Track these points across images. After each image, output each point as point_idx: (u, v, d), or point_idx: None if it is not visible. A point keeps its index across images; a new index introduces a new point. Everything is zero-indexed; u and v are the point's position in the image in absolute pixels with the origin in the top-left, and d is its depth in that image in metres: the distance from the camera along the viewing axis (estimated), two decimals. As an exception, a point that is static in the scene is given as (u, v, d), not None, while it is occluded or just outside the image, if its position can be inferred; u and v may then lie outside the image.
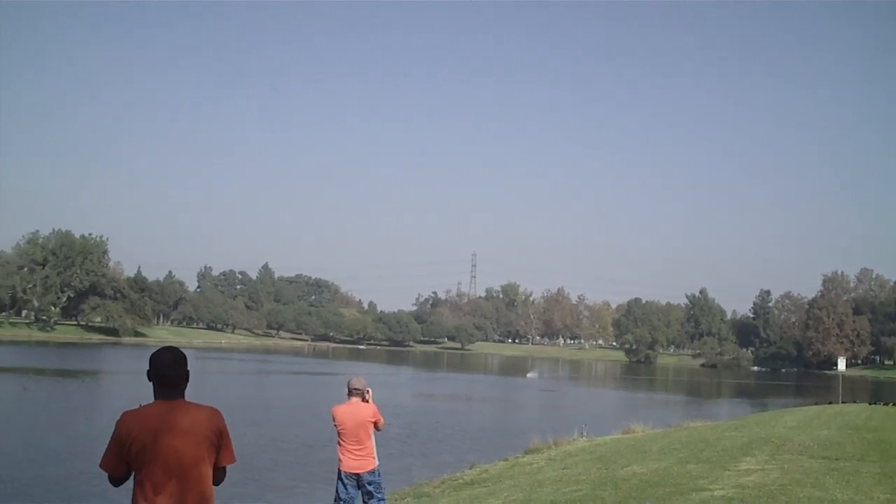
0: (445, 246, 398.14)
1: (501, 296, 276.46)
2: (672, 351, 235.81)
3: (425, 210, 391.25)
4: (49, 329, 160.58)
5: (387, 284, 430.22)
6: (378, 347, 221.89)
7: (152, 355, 5.63)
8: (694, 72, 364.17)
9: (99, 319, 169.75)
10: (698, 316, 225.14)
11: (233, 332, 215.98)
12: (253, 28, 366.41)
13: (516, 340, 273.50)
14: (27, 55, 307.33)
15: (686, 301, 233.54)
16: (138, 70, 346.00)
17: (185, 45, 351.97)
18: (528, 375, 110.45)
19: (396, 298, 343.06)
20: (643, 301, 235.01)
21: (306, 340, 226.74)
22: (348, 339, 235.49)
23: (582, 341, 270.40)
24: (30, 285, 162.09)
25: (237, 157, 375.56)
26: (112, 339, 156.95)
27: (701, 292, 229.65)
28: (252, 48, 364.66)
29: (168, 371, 5.53)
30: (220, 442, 5.50)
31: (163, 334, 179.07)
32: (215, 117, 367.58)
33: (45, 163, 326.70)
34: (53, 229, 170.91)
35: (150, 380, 5.58)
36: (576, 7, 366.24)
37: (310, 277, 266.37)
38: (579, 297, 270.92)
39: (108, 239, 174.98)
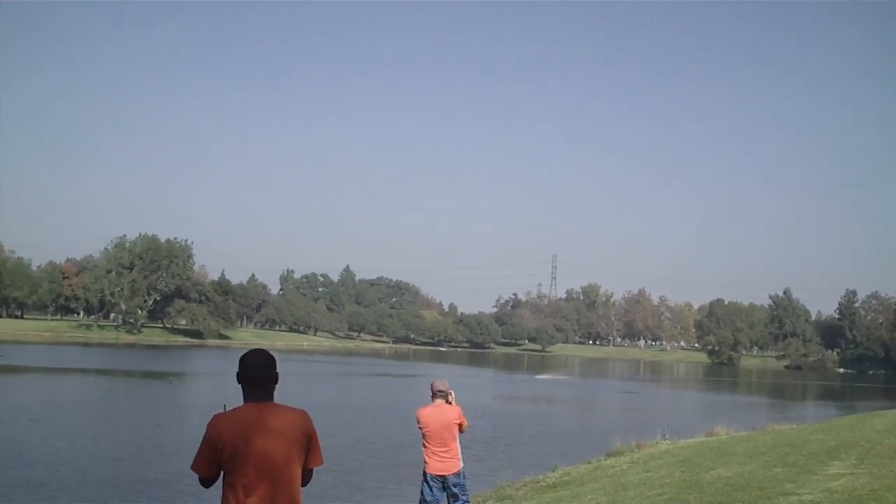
0: (525, 247, 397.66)
1: (582, 297, 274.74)
2: (755, 352, 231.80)
3: (505, 211, 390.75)
4: (136, 332, 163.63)
5: (467, 286, 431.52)
6: (458, 349, 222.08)
7: (242, 358, 5.64)
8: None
9: (184, 322, 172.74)
10: (782, 317, 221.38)
11: (315, 335, 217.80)
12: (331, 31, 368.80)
13: (597, 342, 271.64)
14: (111, 64, 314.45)
15: (769, 302, 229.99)
16: (225, 80, 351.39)
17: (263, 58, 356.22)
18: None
19: (477, 300, 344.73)
20: (725, 302, 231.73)
21: (387, 342, 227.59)
22: (429, 341, 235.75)
23: (663, 343, 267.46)
24: (118, 289, 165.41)
25: (318, 162, 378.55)
26: (197, 341, 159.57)
27: (784, 293, 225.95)
28: (311, 51, 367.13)
29: (258, 373, 5.55)
30: (309, 444, 5.51)
31: (246, 337, 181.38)
32: (296, 124, 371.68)
33: (134, 168, 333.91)
34: (140, 234, 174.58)
35: (239, 382, 5.59)
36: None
37: (391, 280, 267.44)
38: (661, 299, 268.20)
39: (192, 243, 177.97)
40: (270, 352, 5.74)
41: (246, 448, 5.29)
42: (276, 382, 5.64)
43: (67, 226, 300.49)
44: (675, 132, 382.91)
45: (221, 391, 54.47)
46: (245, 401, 5.54)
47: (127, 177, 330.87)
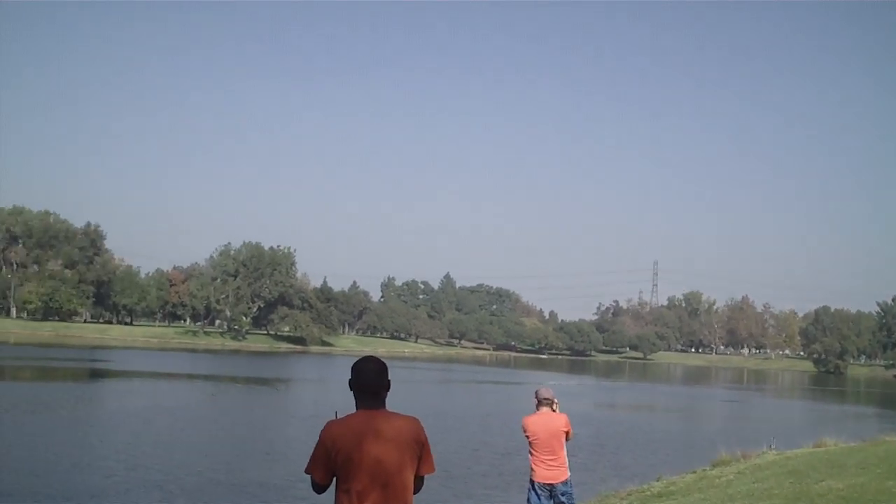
0: (626, 254, 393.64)
1: (684, 304, 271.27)
2: (863, 361, 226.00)
3: (606, 218, 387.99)
4: (241, 338, 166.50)
5: (568, 293, 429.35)
6: (559, 357, 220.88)
7: (355, 365, 5.70)
8: None
9: (287, 329, 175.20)
10: (891, 325, 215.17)
11: (416, 342, 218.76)
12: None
13: (699, 350, 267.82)
14: (226, 73, 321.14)
15: (877, 309, 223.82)
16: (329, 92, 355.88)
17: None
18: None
19: (577, 307, 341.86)
20: (832, 309, 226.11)
21: (488, 350, 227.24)
22: (529, 348, 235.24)
23: (767, 351, 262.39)
24: (223, 296, 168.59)
25: (421, 170, 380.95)
26: (300, 348, 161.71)
27: (893, 300, 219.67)
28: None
29: (371, 380, 5.59)
30: (421, 451, 5.52)
31: (348, 344, 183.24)
32: (398, 132, 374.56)
33: (234, 177, 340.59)
34: (244, 241, 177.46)
35: (351, 389, 5.64)
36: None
37: (491, 287, 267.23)
38: (765, 306, 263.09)
39: (295, 250, 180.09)
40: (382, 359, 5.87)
41: (359, 455, 5.34)
42: (388, 390, 5.68)
43: (174, 233, 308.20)
44: (780, 136, 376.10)
45: (325, 397, 55.22)
46: (357, 408, 5.59)
47: (231, 184, 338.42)
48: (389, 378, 5.70)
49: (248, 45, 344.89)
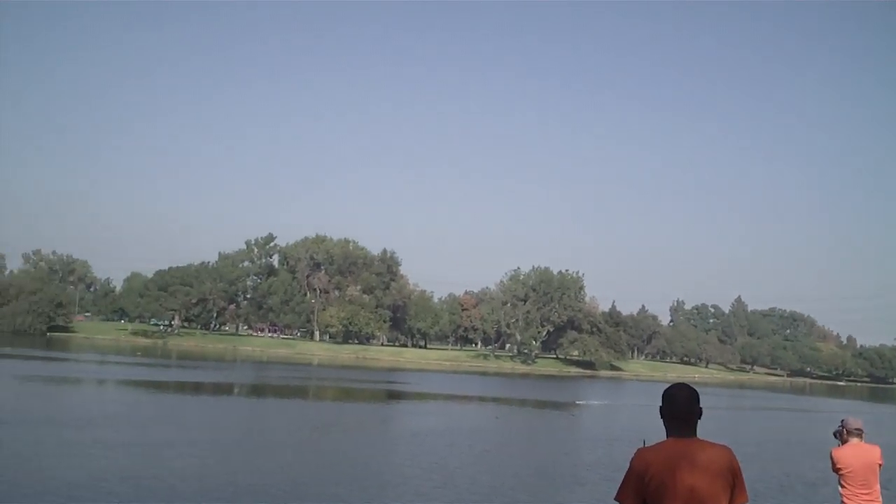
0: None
1: None
2: None
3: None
4: (530, 362, 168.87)
5: (867, 317, 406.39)
6: (858, 384, 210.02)
7: (666, 392, 5.70)
8: None
9: (576, 353, 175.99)
10: None
11: (706, 367, 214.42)
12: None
13: None
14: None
15: None
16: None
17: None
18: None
19: (878, 331, 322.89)
20: None
21: (781, 375, 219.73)
22: (826, 374, 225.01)
23: None
24: (513, 320, 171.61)
25: (712, 195, 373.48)
26: (588, 372, 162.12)
27: None
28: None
29: (683, 408, 5.59)
30: (734, 480, 5.46)
31: (637, 368, 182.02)
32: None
33: (530, 202, 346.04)
34: (533, 266, 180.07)
35: (662, 416, 5.65)
36: None
37: (784, 311, 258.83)
38: None
39: (583, 274, 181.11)
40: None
41: (673, 482, 5.34)
42: (699, 417, 5.63)
43: (464, 259, 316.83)
44: None
45: (617, 422, 55.27)
46: (668, 435, 5.60)
47: (520, 210, 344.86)
48: (701, 405, 5.68)
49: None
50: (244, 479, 23.17)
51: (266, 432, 36.13)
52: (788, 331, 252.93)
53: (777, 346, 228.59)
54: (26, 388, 50.81)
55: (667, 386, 5.81)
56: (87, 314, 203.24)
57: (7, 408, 37.64)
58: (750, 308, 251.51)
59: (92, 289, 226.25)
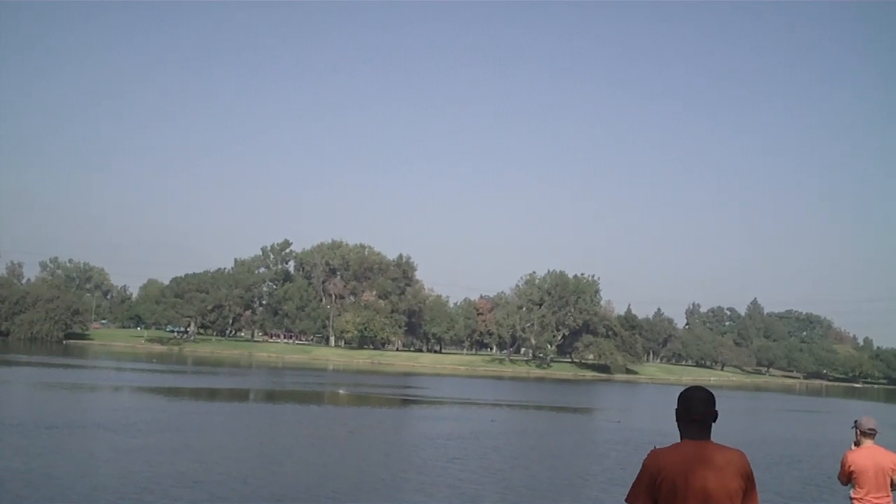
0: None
1: None
2: None
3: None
4: (545, 366, 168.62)
5: (884, 319, 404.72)
6: (875, 386, 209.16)
7: (682, 395, 5.74)
8: None
9: (591, 357, 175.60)
10: None
11: (722, 370, 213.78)
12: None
13: None
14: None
15: None
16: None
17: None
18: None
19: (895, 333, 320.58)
20: None
21: (797, 378, 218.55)
22: (842, 376, 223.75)
23: None
24: (528, 324, 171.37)
25: (729, 199, 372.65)
26: (604, 375, 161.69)
27: None
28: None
29: (699, 410, 5.62)
30: (747, 485, 5.52)
31: (653, 371, 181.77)
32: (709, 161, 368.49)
33: (540, 205, 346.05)
34: (549, 270, 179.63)
35: (678, 419, 5.70)
36: None
37: (800, 313, 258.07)
38: None
39: (599, 278, 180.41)
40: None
41: (686, 484, 5.40)
42: (715, 419, 5.69)
43: (481, 263, 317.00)
44: None
45: (632, 424, 55.34)
46: (682, 437, 5.65)
47: (532, 212, 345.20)
48: (716, 408, 5.73)
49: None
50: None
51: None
52: (805, 333, 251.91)
53: (793, 348, 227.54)
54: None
55: (683, 389, 5.89)
56: (103, 321, 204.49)
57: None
58: (766, 310, 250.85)
59: (108, 296, 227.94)
